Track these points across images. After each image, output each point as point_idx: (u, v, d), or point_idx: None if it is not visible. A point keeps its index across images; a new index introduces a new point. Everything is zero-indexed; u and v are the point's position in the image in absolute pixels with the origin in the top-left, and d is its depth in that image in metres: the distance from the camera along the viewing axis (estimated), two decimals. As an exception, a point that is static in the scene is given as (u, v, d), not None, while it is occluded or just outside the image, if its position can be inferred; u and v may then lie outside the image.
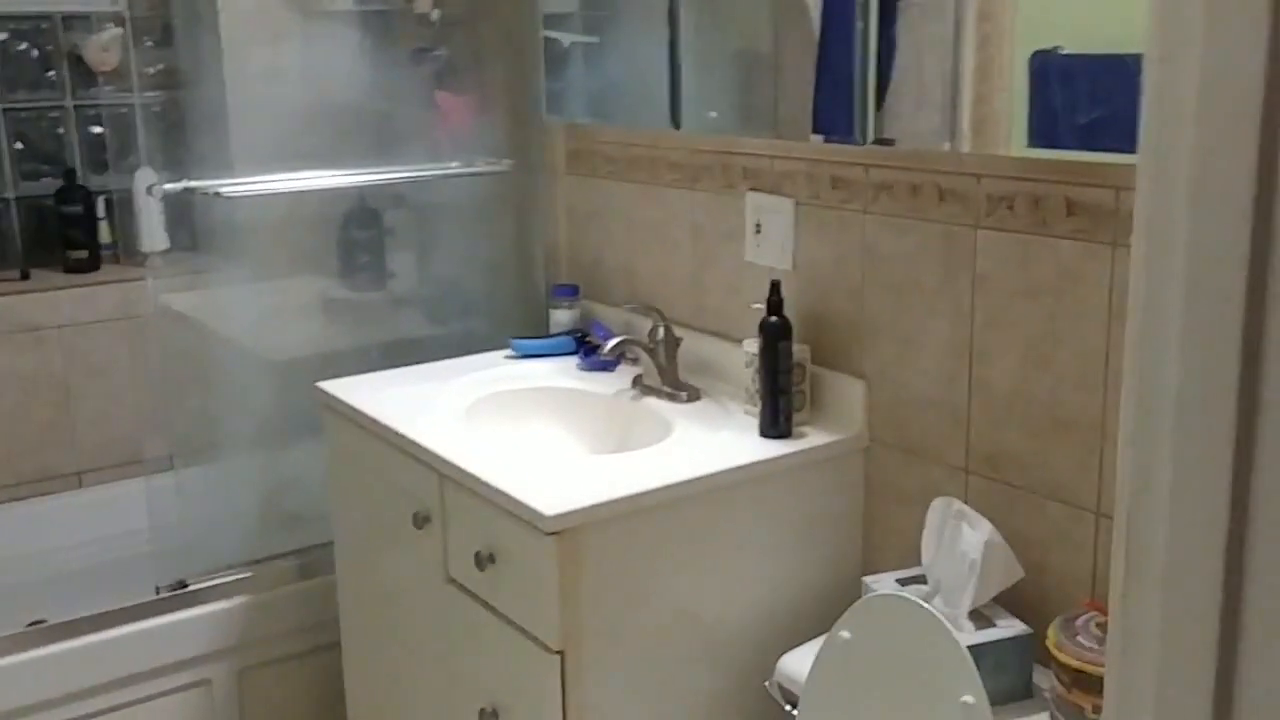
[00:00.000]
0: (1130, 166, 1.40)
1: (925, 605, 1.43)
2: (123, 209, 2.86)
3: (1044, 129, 1.54)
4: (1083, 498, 1.52)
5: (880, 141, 1.73)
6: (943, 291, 1.67)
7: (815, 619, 1.77)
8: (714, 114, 2.08)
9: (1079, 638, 1.39)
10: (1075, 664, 1.36)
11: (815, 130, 1.84)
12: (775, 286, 1.79)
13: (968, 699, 1.37)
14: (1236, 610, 0.77)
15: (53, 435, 2.76)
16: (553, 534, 1.54)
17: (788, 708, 1.62)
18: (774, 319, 1.77)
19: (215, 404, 2.37)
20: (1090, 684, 1.35)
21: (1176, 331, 0.76)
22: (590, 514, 1.56)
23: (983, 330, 1.62)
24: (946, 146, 1.64)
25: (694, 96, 2.10)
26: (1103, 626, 1.40)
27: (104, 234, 2.87)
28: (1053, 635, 1.41)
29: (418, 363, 2.23)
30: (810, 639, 1.68)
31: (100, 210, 2.86)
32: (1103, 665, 1.35)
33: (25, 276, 2.77)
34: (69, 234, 2.82)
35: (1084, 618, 1.43)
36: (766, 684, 1.70)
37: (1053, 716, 1.43)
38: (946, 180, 1.64)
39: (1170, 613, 0.79)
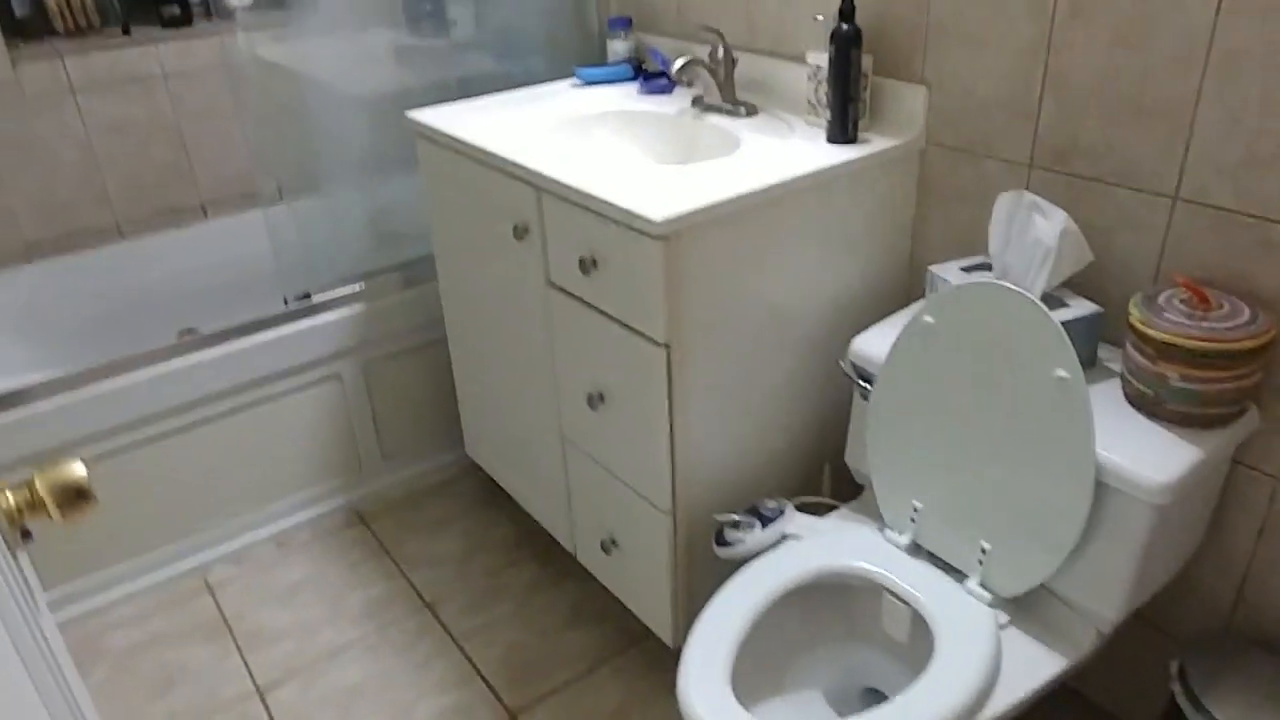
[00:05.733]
0: None
1: (1018, 289, 1.10)
2: (205, -33, 2.30)
3: None
4: (1161, 184, 1.16)
5: None
6: (1015, -10, 1.24)
7: (876, 306, 1.47)
8: None
9: (1166, 314, 1.08)
10: (1163, 337, 1.06)
11: None
12: (843, -5, 1.34)
13: (1062, 373, 1.07)
14: None
15: (174, 174, 2.32)
16: (660, 238, 1.19)
17: (861, 383, 1.33)
18: (845, 27, 1.34)
19: (314, 140, 1.93)
20: (1177, 355, 1.05)
21: None
22: (692, 219, 1.20)
23: (1065, 23, 1.20)
24: None
25: None
26: (1187, 301, 1.09)
27: (191, -8, 2.32)
28: (1136, 312, 1.10)
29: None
30: (874, 324, 1.38)
31: (186, -30, 2.30)
32: (1195, 338, 1.04)
33: (126, 32, 2.24)
34: (160, -7, 2.27)
35: (1166, 294, 1.11)
36: (840, 363, 1.41)
37: (1126, 384, 1.14)
38: None
39: None
